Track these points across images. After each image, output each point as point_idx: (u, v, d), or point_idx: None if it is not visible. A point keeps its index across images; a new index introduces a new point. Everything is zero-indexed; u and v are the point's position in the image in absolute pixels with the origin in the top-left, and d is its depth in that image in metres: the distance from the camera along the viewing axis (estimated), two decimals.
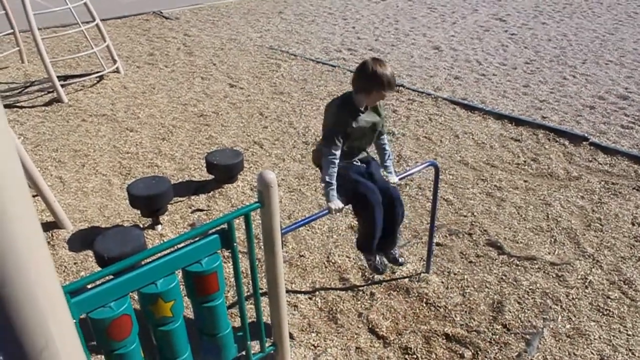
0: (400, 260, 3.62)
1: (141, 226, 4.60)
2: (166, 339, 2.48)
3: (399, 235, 3.75)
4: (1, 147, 1.15)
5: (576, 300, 3.75)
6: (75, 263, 4.16)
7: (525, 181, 5.26)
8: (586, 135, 6.10)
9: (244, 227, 2.64)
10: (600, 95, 7.39)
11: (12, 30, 8.63)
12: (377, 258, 3.54)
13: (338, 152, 3.14)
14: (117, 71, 8.33)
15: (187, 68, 8.62)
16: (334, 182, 3.17)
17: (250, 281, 2.82)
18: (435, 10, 12.84)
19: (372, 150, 3.49)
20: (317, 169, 3.56)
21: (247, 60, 9.00)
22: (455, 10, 12.75)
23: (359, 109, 3.17)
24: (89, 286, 2.20)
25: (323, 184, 3.21)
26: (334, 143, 3.11)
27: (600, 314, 3.63)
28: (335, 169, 3.16)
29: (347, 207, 3.26)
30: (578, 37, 10.40)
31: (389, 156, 3.51)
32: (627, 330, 3.50)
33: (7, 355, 1.37)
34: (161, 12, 12.34)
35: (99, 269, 3.79)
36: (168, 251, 2.40)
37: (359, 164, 3.39)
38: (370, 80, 3.07)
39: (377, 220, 3.25)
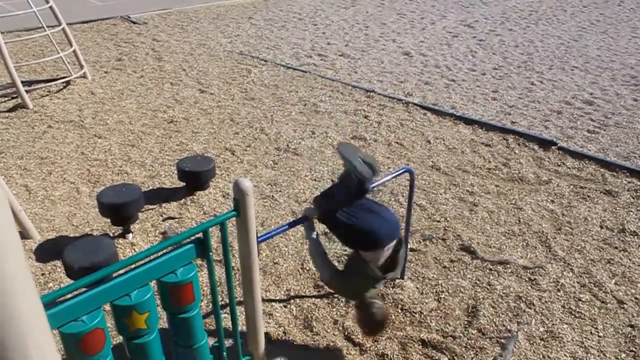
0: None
1: (111, 235, 4.50)
2: (141, 352, 2.42)
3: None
4: None
5: (549, 303, 3.79)
6: (43, 274, 4.05)
7: (496, 186, 5.32)
8: (555, 139, 6.20)
9: (217, 234, 2.59)
10: (567, 101, 7.53)
11: None
12: None
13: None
14: (84, 76, 8.17)
15: (156, 73, 8.51)
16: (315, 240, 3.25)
17: (223, 290, 2.77)
18: (404, 16, 12.94)
19: None
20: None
21: (217, 65, 8.93)
22: (424, 17, 12.87)
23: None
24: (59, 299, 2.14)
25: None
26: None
27: (573, 316, 3.68)
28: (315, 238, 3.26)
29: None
30: (544, 43, 10.60)
31: None
32: (598, 332, 3.55)
33: None
34: (129, 17, 12.17)
35: (68, 279, 3.70)
36: (142, 262, 2.34)
37: None
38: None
39: None
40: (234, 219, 2.59)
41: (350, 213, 2.94)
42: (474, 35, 11.15)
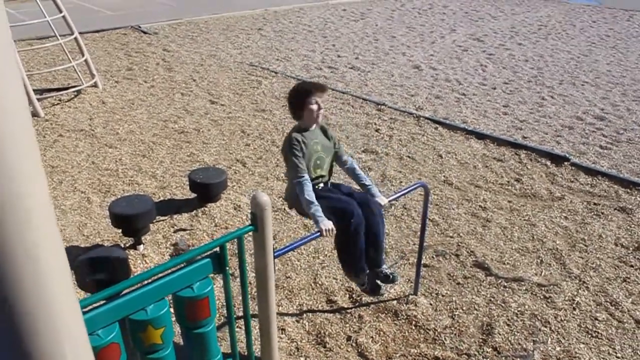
0: (392, 276, 3.52)
1: (122, 246, 4.48)
2: None
3: (384, 251, 3.66)
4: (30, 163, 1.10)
5: (565, 322, 3.74)
6: None
7: (509, 201, 5.27)
8: (567, 155, 6.16)
9: (230, 247, 2.56)
10: (578, 116, 7.50)
11: None
12: (368, 278, 3.48)
13: (306, 175, 3.20)
14: (95, 86, 8.20)
15: (167, 84, 8.53)
16: (316, 201, 3.16)
17: (235, 304, 2.74)
18: (414, 29, 12.96)
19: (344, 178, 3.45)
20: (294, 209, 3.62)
21: (228, 76, 8.94)
22: (433, 30, 12.89)
23: (305, 129, 3.30)
24: None
25: (307, 209, 3.18)
26: (298, 166, 3.18)
27: (589, 335, 3.62)
28: (311, 189, 3.19)
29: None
30: (554, 58, 10.59)
31: (364, 176, 3.52)
32: (615, 353, 3.49)
33: None
34: (140, 27, 12.23)
35: (81, 291, 3.67)
36: (159, 275, 2.31)
37: (325, 186, 3.42)
38: (297, 94, 3.29)
39: (359, 231, 3.22)
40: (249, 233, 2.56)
41: None
42: (483, 49, 11.15)
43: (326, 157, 3.39)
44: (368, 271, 3.45)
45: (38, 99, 7.30)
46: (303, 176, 3.18)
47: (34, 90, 7.28)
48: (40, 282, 1.14)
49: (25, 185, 1.08)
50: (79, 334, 1.31)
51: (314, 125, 3.34)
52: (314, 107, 3.26)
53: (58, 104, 7.64)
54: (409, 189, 3.65)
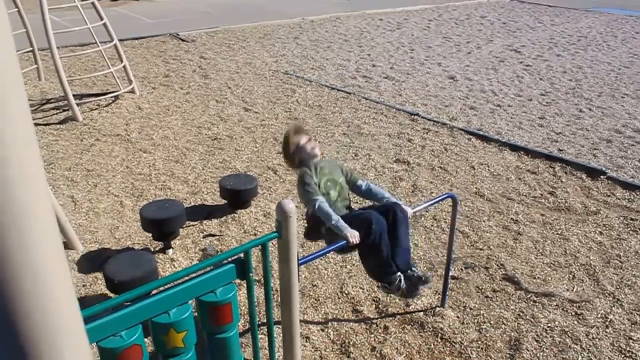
0: (424, 277, 3.39)
1: (152, 250, 4.54)
2: None
3: (411, 253, 3.59)
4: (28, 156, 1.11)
5: (597, 340, 3.64)
6: (84, 285, 4.10)
7: (542, 215, 5.17)
8: (604, 169, 6.01)
9: (256, 254, 2.57)
10: (617, 129, 7.32)
11: (31, 48, 8.71)
12: (402, 279, 3.37)
13: (321, 196, 3.28)
14: (132, 92, 8.36)
15: (202, 91, 8.64)
16: (338, 216, 3.22)
17: (259, 311, 2.74)
18: (450, 39, 12.88)
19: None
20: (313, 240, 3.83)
21: (262, 84, 9.02)
22: (470, 40, 12.78)
23: (311, 166, 3.42)
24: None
25: (329, 222, 3.21)
26: (310, 191, 3.28)
27: (623, 355, 3.51)
28: (328, 206, 3.26)
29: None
30: (593, 69, 10.37)
31: (382, 191, 3.58)
32: None
33: None
34: (178, 35, 12.44)
35: (108, 292, 3.73)
36: (182, 280, 2.34)
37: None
38: (285, 146, 3.50)
39: (383, 236, 3.21)
40: (274, 240, 2.57)
41: None
42: (520, 61, 11.00)
43: (338, 179, 3.49)
44: (400, 274, 3.36)
45: (77, 104, 7.48)
46: (318, 197, 3.26)
47: (73, 95, 7.46)
48: (38, 281, 1.16)
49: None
50: (78, 340, 1.33)
51: (317, 158, 3.45)
52: (304, 144, 3.42)
53: (96, 109, 7.82)
54: (436, 200, 3.61)
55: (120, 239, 4.73)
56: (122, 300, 2.17)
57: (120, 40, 8.60)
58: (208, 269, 2.42)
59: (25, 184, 1.10)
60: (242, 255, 2.49)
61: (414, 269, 3.41)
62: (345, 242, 3.08)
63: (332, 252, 4.28)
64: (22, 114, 1.09)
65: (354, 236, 3.09)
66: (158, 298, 2.26)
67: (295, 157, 3.45)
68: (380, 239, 3.19)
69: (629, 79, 9.72)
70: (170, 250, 4.50)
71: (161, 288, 2.30)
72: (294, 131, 3.49)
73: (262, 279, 3.31)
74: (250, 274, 2.52)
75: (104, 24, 8.01)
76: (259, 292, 3.64)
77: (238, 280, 3.23)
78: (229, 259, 2.48)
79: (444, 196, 3.63)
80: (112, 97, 8.17)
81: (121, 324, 2.18)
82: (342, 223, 3.15)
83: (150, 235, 4.57)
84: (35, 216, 1.13)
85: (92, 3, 7.85)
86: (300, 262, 2.74)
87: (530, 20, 15.67)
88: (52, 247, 1.21)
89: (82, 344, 1.36)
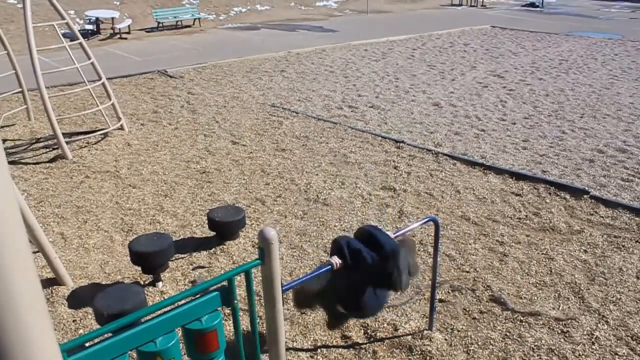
0: None
1: (142, 283, 4.57)
2: None
3: None
4: (2, 203, 1.16)
5: (583, 357, 3.68)
6: (74, 320, 4.12)
7: (527, 235, 5.25)
8: (587, 188, 6.12)
9: (244, 283, 2.62)
10: (599, 149, 7.46)
11: (20, 89, 8.82)
12: None
13: None
14: (121, 128, 8.46)
15: (190, 125, 8.75)
16: None
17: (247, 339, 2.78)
18: (434, 67, 13.11)
19: None
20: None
21: (250, 117, 9.14)
22: (454, 68, 13.02)
23: None
24: (86, 344, 2.18)
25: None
26: None
27: None
28: None
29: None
30: (575, 92, 10.58)
31: None
32: None
33: None
34: (166, 71, 12.61)
35: (98, 326, 3.75)
36: (168, 308, 2.38)
37: None
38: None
39: None
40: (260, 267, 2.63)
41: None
42: (504, 85, 11.21)
43: None
44: None
45: (67, 142, 7.55)
46: None
47: (63, 133, 7.54)
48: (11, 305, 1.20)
49: None
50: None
51: None
52: None
53: (86, 146, 7.89)
54: (419, 223, 3.68)
55: (110, 274, 4.76)
56: (108, 330, 2.22)
57: (108, 78, 8.73)
58: (192, 298, 2.47)
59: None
60: (226, 283, 2.55)
61: None
62: (329, 266, 3.13)
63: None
64: None
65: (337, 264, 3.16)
66: (144, 327, 2.31)
67: None
68: None
69: (609, 100, 9.92)
70: (160, 283, 4.53)
71: (147, 317, 2.34)
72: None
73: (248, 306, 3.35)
74: (235, 301, 2.57)
75: (92, 63, 8.14)
76: (245, 320, 3.67)
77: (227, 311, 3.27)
78: (214, 287, 2.53)
79: (425, 220, 3.70)
80: (101, 134, 8.26)
81: (108, 354, 2.22)
82: None
83: (139, 268, 4.60)
84: (12, 249, 1.18)
85: (80, 43, 8.00)
86: (284, 288, 2.79)
87: (513, 46, 15.99)
88: (29, 279, 1.25)
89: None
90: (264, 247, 2.54)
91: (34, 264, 1.30)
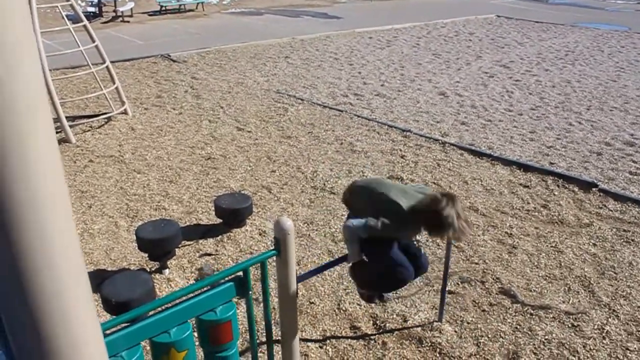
0: None
1: (148, 270, 4.53)
2: None
3: None
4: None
5: (594, 351, 3.66)
6: None
7: (536, 228, 5.21)
8: (595, 181, 6.07)
9: (254, 272, 2.58)
10: (607, 142, 7.41)
11: None
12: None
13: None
14: (125, 113, 8.38)
15: (195, 111, 8.68)
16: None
17: (258, 329, 2.74)
18: (439, 56, 13.01)
19: None
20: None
21: (255, 103, 9.07)
22: (459, 57, 12.92)
23: None
24: None
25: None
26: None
27: None
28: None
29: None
30: (581, 83, 10.51)
31: None
32: None
33: None
34: (169, 55, 12.50)
35: (105, 313, 3.72)
36: (182, 299, 2.34)
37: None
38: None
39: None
40: (272, 257, 2.58)
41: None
42: (510, 76, 11.12)
43: None
44: None
45: (70, 126, 7.48)
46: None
47: (66, 117, 7.48)
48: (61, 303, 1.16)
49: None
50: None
51: None
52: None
53: (89, 130, 7.83)
54: None
55: (116, 260, 4.72)
56: (122, 321, 2.18)
57: (112, 62, 8.64)
58: (208, 287, 2.43)
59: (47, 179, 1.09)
60: (241, 273, 2.50)
61: None
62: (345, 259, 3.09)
63: (328, 269, 4.29)
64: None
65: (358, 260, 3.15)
66: (158, 317, 2.27)
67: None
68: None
69: (616, 92, 9.84)
70: (167, 270, 4.49)
71: (161, 308, 2.30)
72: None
73: (260, 296, 3.32)
74: (250, 292, 2.53)
75: (96, 46, 8.06)
76: (257, 311, 3.63)
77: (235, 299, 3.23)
78: (228, 278, 2.49)
79: None
80: (104, 118, 8.19)
81: (122, 345, 2.18)
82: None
83: (146, 255, 4.56)
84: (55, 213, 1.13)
85: (84, 26, 7.90)
86: (298, 279, 2.75)
87: (518, 36, 15.87)
88: (72, 249, 1.21)
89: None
90: (280, 238, 2.49)
91: (81, 254, 1.24)
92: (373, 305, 4.07)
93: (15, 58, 0.99)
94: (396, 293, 4.12)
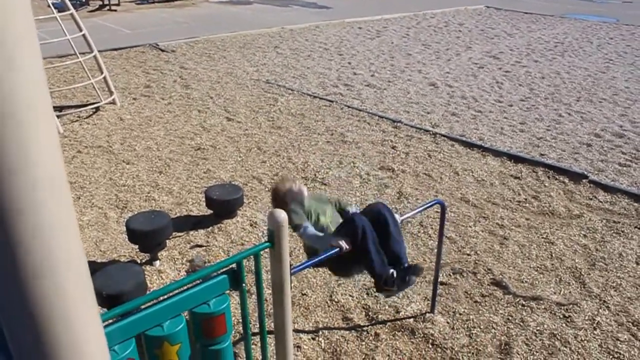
0: (415, 267, 3.32)
1: (139, 262, 4.49)
2: None
3: (403, 245, 3.56)
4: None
5: (585, 342, 3.67)
6: None
7: (527, 219, 5.23)
8: (585, 172, 6.10)
9: (246, 264, 2.56)
10: (596, 133, 7.44)
11: None
12: (394, 273, 3.31)
13: (309, 223, 3.36)
14: (113, 103, 8.29)
15: (184, 101, 8.60)
16: (322, 233, 3.34)
17: (251, 321, 2.72)
18: (429, 47, 12.99)
19: None
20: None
21: (244, 94, 9.00)
22: (449, 48, 12.90)
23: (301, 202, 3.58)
24: None
25: (318, 242, 3.26)
26: (302, 220, 3.36)
27: (611, 356, 3.55)
28: (314, 231, 3.33)
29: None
30: (571, 75, 10.54)
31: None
32: None
33: None
34: (157, 45, 12.38)
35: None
36: (175, 291, 2.31)
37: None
38: (276, 195, 3.70)
39: (366, 230, 3.19)
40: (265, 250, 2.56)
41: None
42: (499, 67, 11.13)
43: (327, 208, 3.56)
44: (393, 270, 3.32)
45: (58, 116, 7.40)
46: (306, 224, 3.33)
47: (53, 107, 7.37)
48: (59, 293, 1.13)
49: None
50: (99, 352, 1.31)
51: (305, 195, 3.62)
52: (291, 187, 3.65)
53: (77, 120, 7.73)
54: (424, 207, 3.63)
55: (106, 252, 4.67)
56: (115, 315, 2.14)
57: (99, 51, 8.54)
58: (200, 280, 2.40)
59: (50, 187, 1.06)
60: (234, 265, 2.48)
61: (405, 263, 3.38)
62: (338, 250, 3.06)
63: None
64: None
65: (345, 242, 3.09)
66: (151, 311, 2.24)
67: (287, 200, 3.57)
68: (365, 234, 3.17)
69: (605, 84, 9.88)
70: (157, 262, 4.46)
71: (154, 301, 2.27)
72: (280, 181, 3.87)
73: (253, 288, 3.29)
74: (244, 285, 2.51)
75: (83, 35, 7.95)
76: (250, 302, 3.61)
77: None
78: (221, 270, 2.46)
79: (431, 203, 3.65)
80: (92, 108, 8.09)
81: (114, 339, 2.15)
82: (328, 237, 3.22)
83: (136, 247, 4.52)
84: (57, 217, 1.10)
85: (71, 14, 7.79)
86: (292, 271, 2.73)
87: (508, 27, 15.88)
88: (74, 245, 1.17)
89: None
90: (274, 230, 2.47)
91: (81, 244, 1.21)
92: (365, 296, 4.07)
93: (16, 51, 0.96)
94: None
